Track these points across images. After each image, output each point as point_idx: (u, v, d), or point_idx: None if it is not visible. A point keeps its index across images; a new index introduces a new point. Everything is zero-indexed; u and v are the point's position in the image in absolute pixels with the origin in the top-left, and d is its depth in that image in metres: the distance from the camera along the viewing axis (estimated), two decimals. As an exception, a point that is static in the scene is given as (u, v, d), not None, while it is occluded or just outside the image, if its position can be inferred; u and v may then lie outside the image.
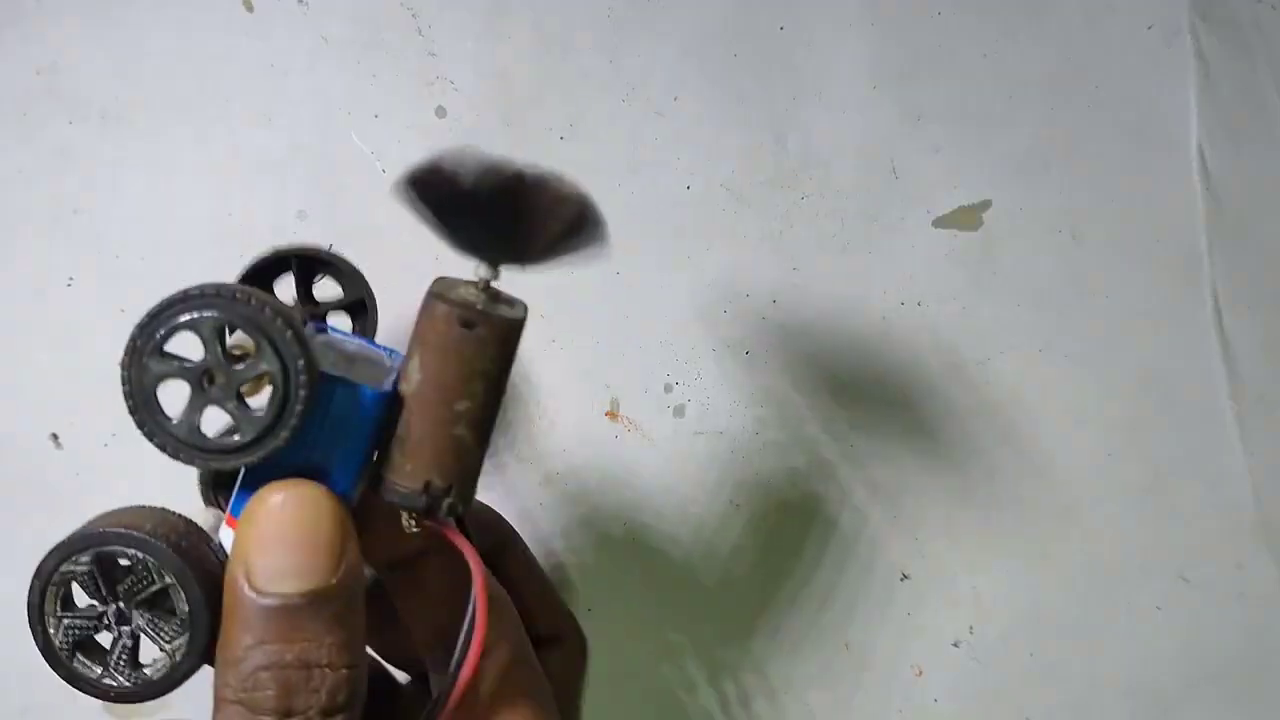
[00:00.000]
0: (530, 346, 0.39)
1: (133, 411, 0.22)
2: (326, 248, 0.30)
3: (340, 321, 0.31)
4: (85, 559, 0.23)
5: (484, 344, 0.24)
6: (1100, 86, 0.41)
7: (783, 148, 0.40)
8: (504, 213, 0.24)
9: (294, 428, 0.22)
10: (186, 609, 0.23)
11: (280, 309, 0.22)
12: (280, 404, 0.22)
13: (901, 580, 0.40)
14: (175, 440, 0.22)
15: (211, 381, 0.22)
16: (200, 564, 0.23)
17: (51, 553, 0.23)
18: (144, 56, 0.39)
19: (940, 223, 0.40)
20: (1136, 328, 0.40)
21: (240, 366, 0.22)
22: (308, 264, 0.31)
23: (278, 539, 0.23)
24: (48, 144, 0.39)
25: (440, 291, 0.24)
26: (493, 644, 0.26)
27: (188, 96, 0.39)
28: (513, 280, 0.25)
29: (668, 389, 0.40)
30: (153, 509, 0.25)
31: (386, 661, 0.32)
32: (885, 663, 0.40)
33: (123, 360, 0.22)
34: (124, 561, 0.23)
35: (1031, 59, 0.41)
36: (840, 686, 0.40)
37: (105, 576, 0.24)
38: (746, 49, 0.40)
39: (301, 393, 0.22)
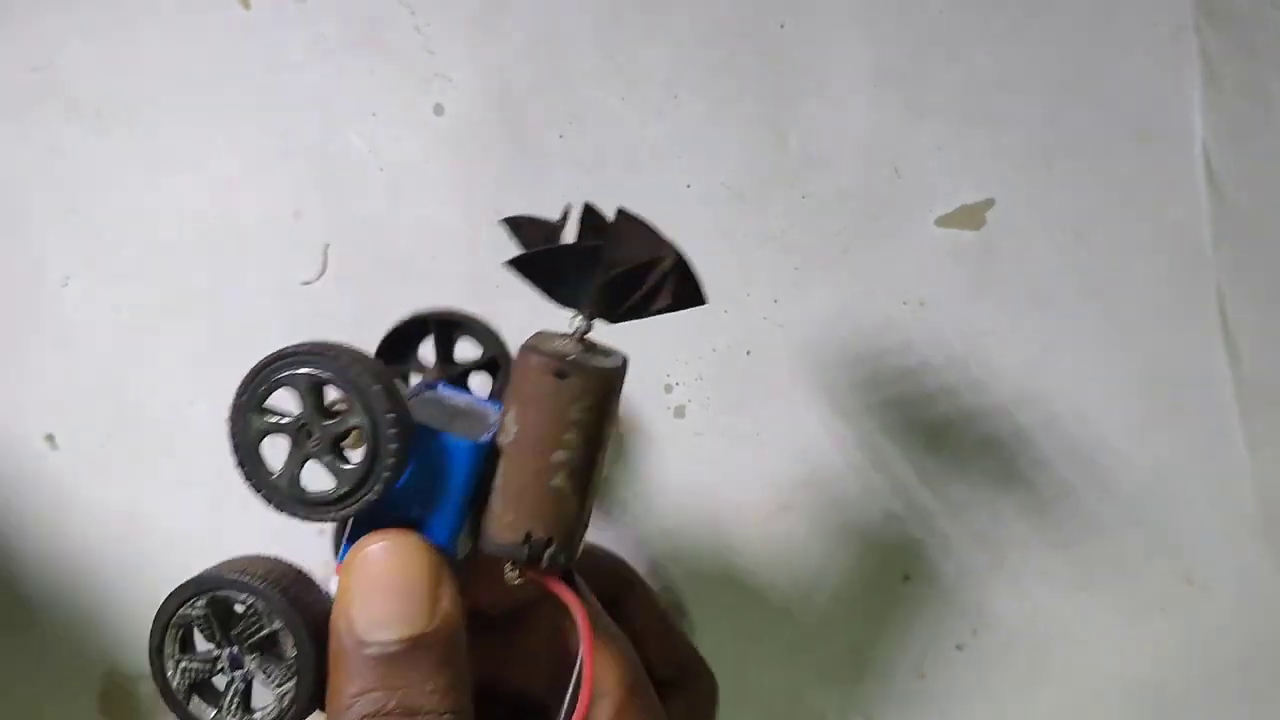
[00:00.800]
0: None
1: (239, 465, 0.24)
2: (462, 311, 0.32)
3: (481, 381, 0.32)
4: (201, 603, 0.24)
5: (577, 394, 0.24)
6: (1104, 84, 0.40)
7: (783, 147, 0.40)
8: (601, 271, 0.25)
9: (386, 479, 0.23)
10: (294, 654, 0.24)
11: (371, 365, 0.24)
12: (371, 456, 0.23)
13: (904, 581, 0.40)
14: (278, 493, 0.24)
15: (309, 436, 0.24)
16: (308, 610, 0.24)
17: (170, 597, 0.25)
18: (141, 55, 0.39)
19: (942, 222, 0.40)
20: (1141, 326, 0.40)
21: (333, 421, 0.23)
22: (446, 326, 0.32)
23: (374, 588, 0.24)
24: (44, 142, 0.39)
25: (534, 344, 0.25)
26: (608, 689, 0.26)
27: (184, 95, 0.39)
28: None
29: (668, 389, 0.39)
30: (266, 558, 0.26)
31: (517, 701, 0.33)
32: (884, 662, 0.40)
33: (229, 415, 0.24)
34: (238, 607, 0.25)
35: (1035, 57, 0.40)
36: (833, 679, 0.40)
37: (221, 621, 0.25)
38: (747, 47, 0.40)
39: (392, 445, 0.23)
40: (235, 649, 0.25)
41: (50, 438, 0.39)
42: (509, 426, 0.25)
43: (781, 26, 0.40)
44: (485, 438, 0.25)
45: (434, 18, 0.39)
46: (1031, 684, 0.40)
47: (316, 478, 0.24)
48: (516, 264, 0.25)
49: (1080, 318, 0.40)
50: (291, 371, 0.23)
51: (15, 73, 0.39)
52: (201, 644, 0.25)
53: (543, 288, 0.26)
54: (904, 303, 0.40)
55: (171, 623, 0.25)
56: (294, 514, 0.24)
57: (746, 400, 0.39)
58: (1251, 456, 0.40)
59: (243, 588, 0.24)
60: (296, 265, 0.39)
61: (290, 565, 0.26)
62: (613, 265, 0.25)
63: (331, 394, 0.24)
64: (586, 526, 0.26)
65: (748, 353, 0.40)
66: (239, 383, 0.24)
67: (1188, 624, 0.40)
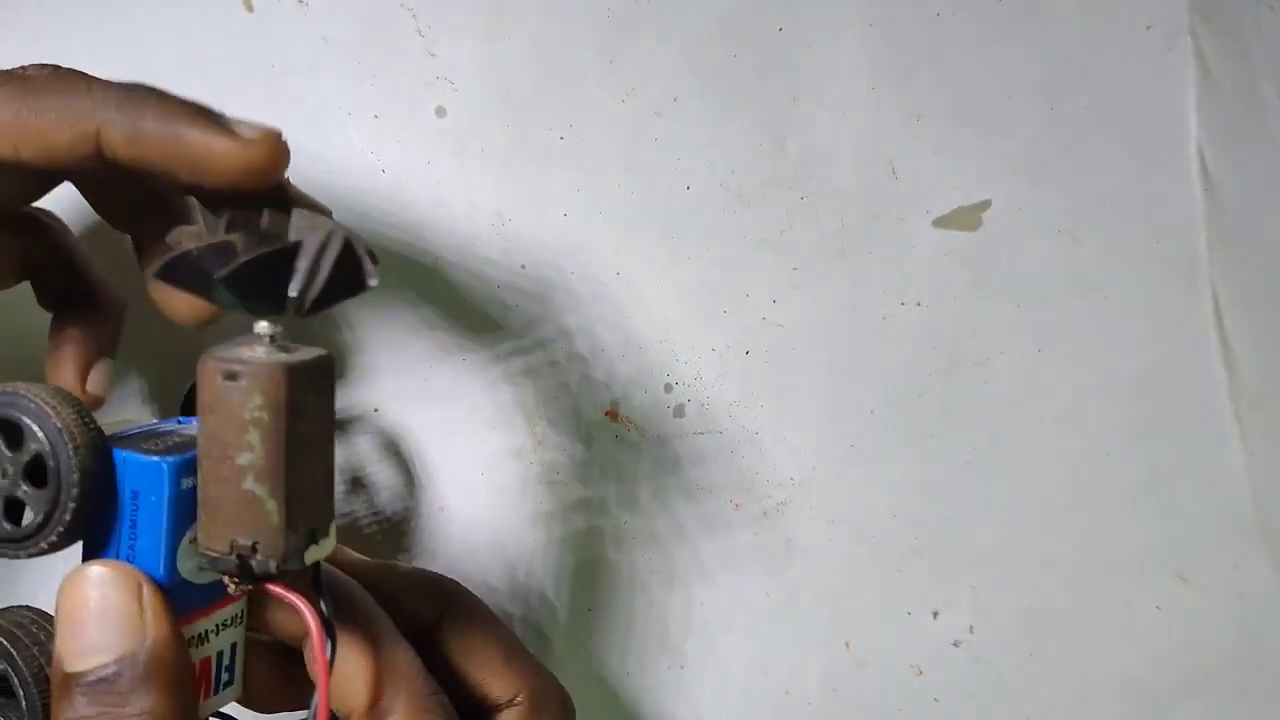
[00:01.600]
0: (530, 346, 0.39)
1: None
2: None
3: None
4: None
5: (249, 392, 0.23)
6: (1100, 87, 0.41)
7: (782, 148, 0.40)
8: (265, 277, 0.24)
9: (75, 503, 0.23)
10: (22, 694, 0.25)
11: (51, 394, 0.24)
12: (55, 479, 0.23)
13: (898, 573, 0.40)
14: None
15: (4, 474, 0.24)
16: (36, 652, 0.25)
17: None
18: (144, 57, 0.39)
19: (940, 223, 0.40)
20: (1136, 328, 0.40)
21: (18, 451, 0.24)
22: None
23: (73, 618, 0.24)
24: (47, 144, 0.39)
25: (215, 352, 0.24)
26: (355, 693, 0.27)
27: (187, 96, 0.39)
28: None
29: (668, 389, 0.40)
30: (9, 608, 0.26)
31: None
32: (884, 662, 0.40)
33: None
34: None
35: (1031, 60, 0.41)
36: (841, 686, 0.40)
37: None
38: (746, 49, 0.40)
39: (71, 463, 0.23)
40: None
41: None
42: (199, 438, 0.24)
43: (780, 29, 0.40)
44: (189, 454, 0.25)
45: (436, 20, 0.40)
46: (1027, 682, 0.40)
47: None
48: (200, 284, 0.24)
49: (1076, 318, 0.40)
50: None
51: (19, 74, 0.39)
52: None
53: (231, 305, 0.24)
54: (901, 303, 0.40)
55: None
56: (2, 552, 0.24)
57: (746, 400, 0.40)
58: (1246, 456, 0.40)
59: None
60: (299, 266, 0.39)
61: (29, 610, 0.26)
62: (273, 269, 0.24)
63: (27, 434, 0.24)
64: (314, 534, 0.25)
65: (747, 353, 0.40)
66: None
67: (1182, 622, 0.40)
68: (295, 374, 0.24)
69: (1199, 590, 0.40)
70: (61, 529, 0.23)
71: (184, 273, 0.24)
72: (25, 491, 0.24)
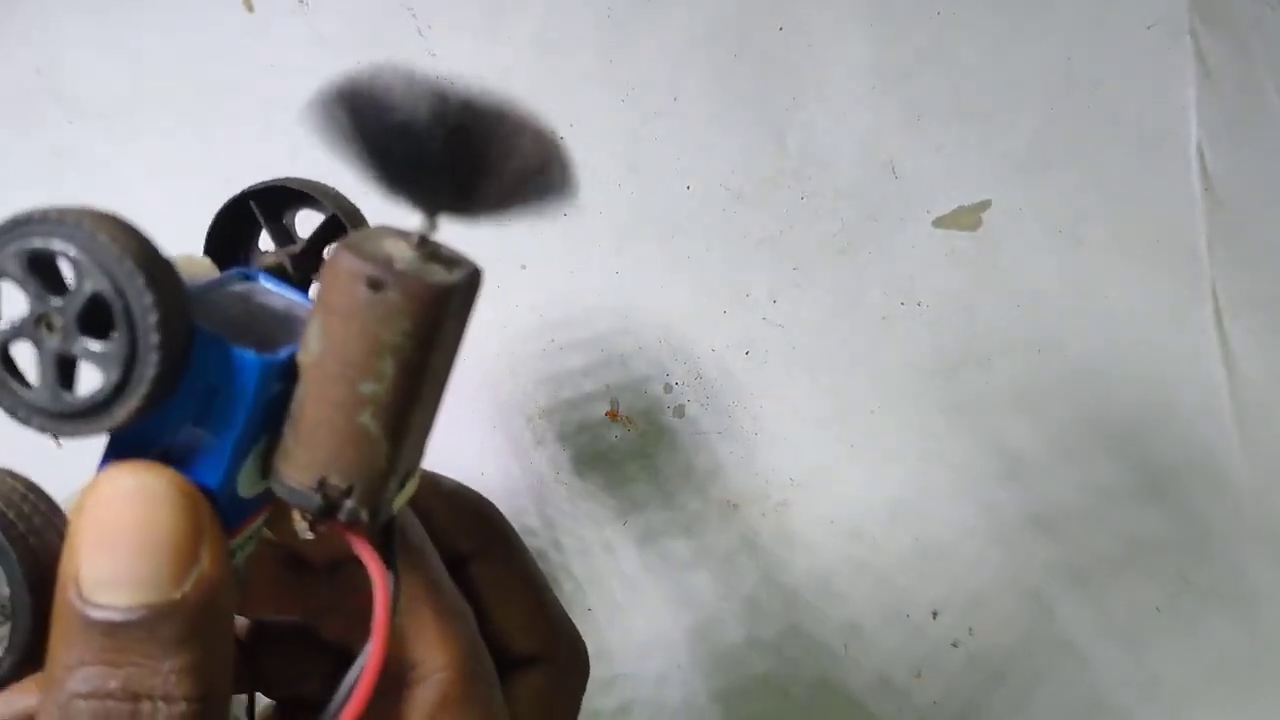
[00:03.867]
0: (530, 347, 0.39)
1: None
2: (294, 179, 0.26)
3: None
4: None
5: (396, 312, 0.18)
6: (1101, 87, 0.41)
7: (783, 148, 0.40)
8: (447, 148, 0.18)
9: (160, 358, 0.17)
10: (8, 594, 0.19)
11: (112, 225, 0.18)
12: (128, 327, 0.17)
13: (898, 574, 0.40)
14: (26, 406, 0.18)
15: (50, 327, 0.18)
16: (35, 539, 0.19)
17: None
18: (144, 57, 0.39)
19: (940, 223, 0.40)
20: (1136, 327, 0.40)
21: (62, 295, 0.18)
22: (274, 202, 0.26)
23: (110, 537, 0.18)
24: (46, 143, 0.39)
25: (353, 242, 0.19)
26: (433, 670, 0.23)
27: (187, 97, 0.39)
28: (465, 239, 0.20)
29: (668, 389, 0.40)
30: None
31: None
32: (883, 663, 0.40)
33: None
34: None
35: (1032, 59, 0.41)
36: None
37: None
38: (746, 49, 0.40)
39: (148, 302, 0.17)
40: None
41: (59, 439, 0.39)
42: (311, 343, 0.19)
43: (780, 29, 0.40)
44: (283, 353, 0.19)
45: (436, 20, 0.40)
46: (1027, 684, 0.40)
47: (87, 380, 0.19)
48: (349, 139, 0.18)
49: (1076, 318, 0.40)
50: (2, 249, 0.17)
51: (18, 74, 0.39)
52: None
53: (375, 177, 0.19)
54: (901, 303, 0.40)
55: None
56: (44, 430, 0.18)
57: (746, 400, 0.40)
58: (1246, 456, 0.40)
59: None
60: (298, 265, 0.39)
61: (22, 481, 0.20)
62: (465, 149, 0.18)
63: (72, 275, 0.18)
64: (405, 479, 0.21)
65: (747, 353, 0.40)
66: None
67: (1184, 623, 0.40)
68: (458, 296, 0.19)
69: (1200, 591, 0.40)
70: (144, 391, 0.17)
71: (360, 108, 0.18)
72: (85, 347, 0.18)
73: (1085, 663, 0.40)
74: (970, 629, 0.40)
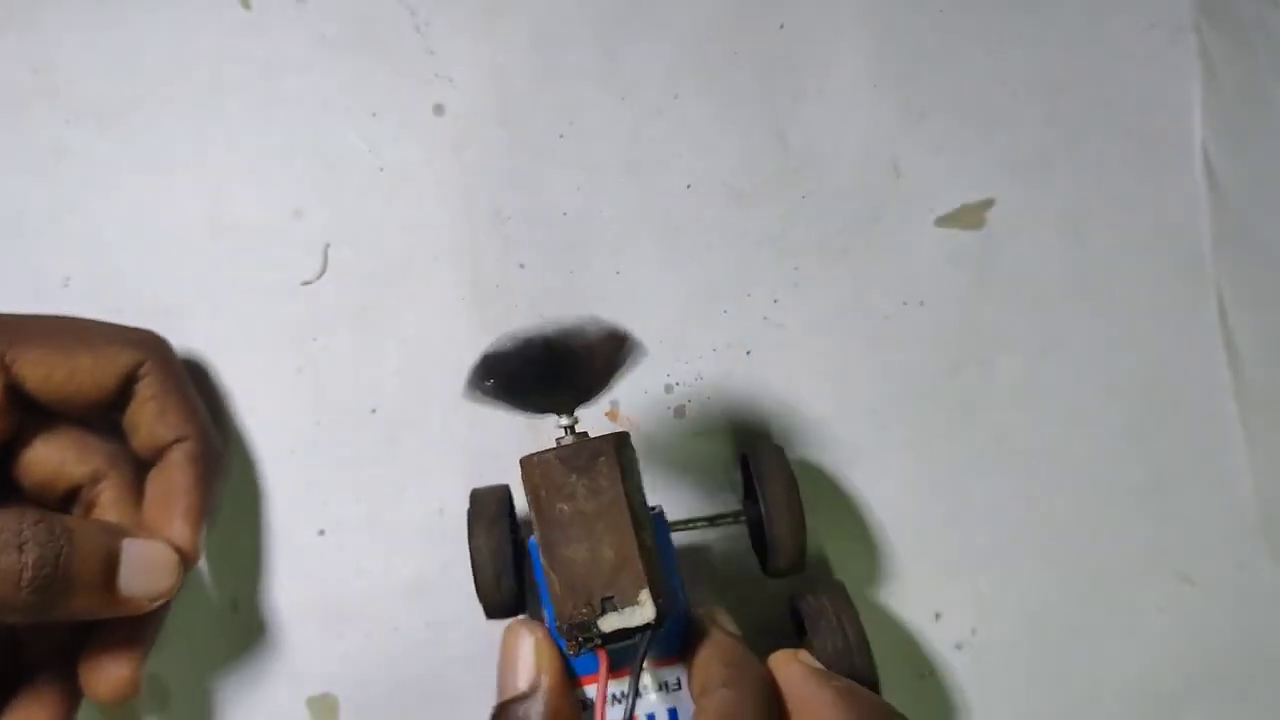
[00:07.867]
0: (529, 347, 0.39)
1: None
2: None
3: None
4: None
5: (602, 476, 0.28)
6: (1104, 85, 0.40)
7: (783, 147, 0.40)
8: (553, 370, 0.28)
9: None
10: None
11: None
12: None
13: (899, 574, 0.40)
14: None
15: None
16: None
17: None
18: (141, 55, 0.39)
19: (942, 222, 0.40)
20: (1140, 327, 0.40)
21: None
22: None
23: (501, 660, 0.32)
24: (44, 143, 0.39)
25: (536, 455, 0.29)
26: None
27: (185, 96, 0.39)
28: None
29: (668, 389, 0.39)
30: None
31: None
32: (886, 665, 0.40)
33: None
34: None
35: (1034, 57, 0.40)
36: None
37: None
38: (746, 47, 0.40)
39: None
40: None
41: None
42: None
43: (781, 26, 0.40)
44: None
45: (434, 18, 0.39)
46: (1030, 684, 0.40)
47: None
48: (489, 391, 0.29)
49: (1080, 318, 0.40)
50: None
51: (16, 73, 0.39)
52: None
53: (518, 407, 0.30)
54: (904, 303, 0.40)
55: None
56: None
57: (746, 400, 0.39)
58: (1250, 456, 0.40)
59: None
60: (296, 265, 0.39)
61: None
62: (562, 368, 0.28)
63: None
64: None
65: (747, 353, 0.40)
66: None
67: (1186, 624, 0.40)
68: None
69: (1203, 591, 0.40)
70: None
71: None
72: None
73: (1089, 665, 0.40)
74: (974, 630, 0.40)
